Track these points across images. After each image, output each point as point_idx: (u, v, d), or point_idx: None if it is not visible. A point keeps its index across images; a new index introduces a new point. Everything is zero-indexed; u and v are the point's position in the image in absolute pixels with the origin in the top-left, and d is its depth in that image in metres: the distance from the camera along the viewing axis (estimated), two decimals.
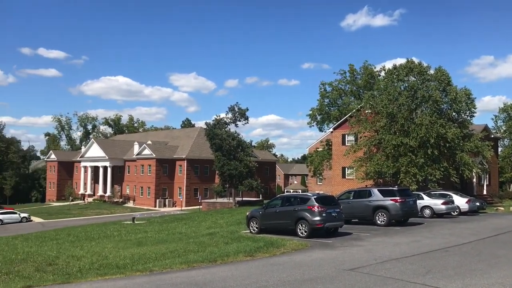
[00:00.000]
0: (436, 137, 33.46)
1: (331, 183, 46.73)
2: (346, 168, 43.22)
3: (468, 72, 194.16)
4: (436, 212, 27.02)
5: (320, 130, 56.90)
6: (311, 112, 55.40)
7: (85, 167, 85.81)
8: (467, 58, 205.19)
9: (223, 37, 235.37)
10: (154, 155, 69.51)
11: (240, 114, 52.38)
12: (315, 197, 18.97)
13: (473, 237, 17.97)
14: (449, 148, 34.68)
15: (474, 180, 43.22)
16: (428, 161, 33.87)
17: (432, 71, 37.02)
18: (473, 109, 36.82)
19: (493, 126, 67.32)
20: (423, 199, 27.51)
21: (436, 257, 13.39)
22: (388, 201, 22.39)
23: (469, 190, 40.79)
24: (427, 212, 27.10)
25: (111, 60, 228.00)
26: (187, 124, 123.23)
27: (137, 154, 73.74)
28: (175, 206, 68.37)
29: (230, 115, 52.57)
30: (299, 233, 18.48)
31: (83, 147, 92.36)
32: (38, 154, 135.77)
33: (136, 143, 76.89)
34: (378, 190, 23.69)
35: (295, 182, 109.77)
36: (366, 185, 32.87)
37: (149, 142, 74.77)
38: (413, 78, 36.78)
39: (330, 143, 48.50)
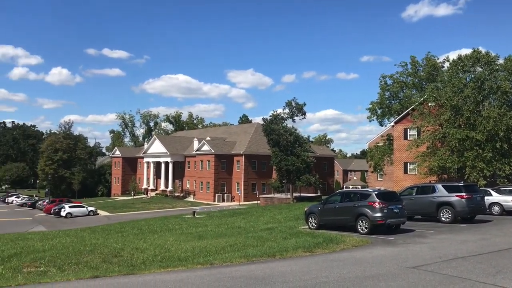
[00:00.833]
0: (506, 130, 31.64)
1: (392, 179, 45.47)
2: (408, 163, 41.87)
3: None
4: (506, 209, 25.53)
5: (381, 124, 55.45)
6: (371, 106, 54.08)
7: (148, 163, 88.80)
8: None
9: (280, 32, 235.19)
10: (213, 151, 70.72)
11: (297, 109, 52.08)
12: (376, 192, 18.51)
13: None
14: None
15: None
16: (497, 156, 32.10)
17: (501, 61, 34.99)
18: None
19: None
20: (491, 195, 26.07)
21: (508, 256, 12.63)
22: (454, 197, 21.40)
23: None
24: (496, 209, 25.67)
25: (171, 58, 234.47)
26: (245, 120, 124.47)
27: (196, 150, 75.37)
28: (234, 201, 69.27)
29: (287, 110, 52.39)
30: (359, 229, 18.11)
31: (145, 143, 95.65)
32: (104, 150, 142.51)
33: (195, 139, 78.61)
34: (442, 185, 22.71)
35: (354, 178, 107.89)
36: (430, 181, 31.72)
37: (208, 138, 76.19)
38: (480, 69, 34.92)
39: (391, 138, 47.17)
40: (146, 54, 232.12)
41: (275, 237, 18.28)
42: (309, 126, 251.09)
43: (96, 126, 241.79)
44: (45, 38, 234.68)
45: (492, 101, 34.11)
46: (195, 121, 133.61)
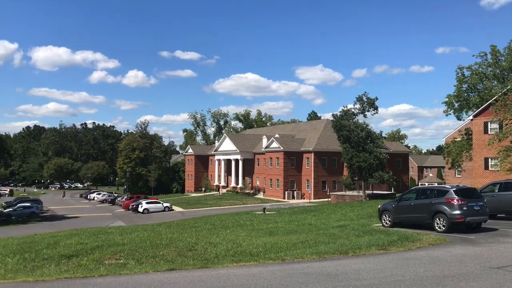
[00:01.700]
0: None
1: (471, 175, 43.06)
2: (490, 159, 39.43)
3: None
4: None
5: (458, 118, 52.51)
6: (447, 99, 51.39)
7: (219, 160, 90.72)
8: None
9: (350, 26, 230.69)
10: (282, 148, 70.81)
11: (369, 104, 50.69)
12: (454, 189, 17.59)
13: None
14: None
15: None
16: None
17: None
18: None
19: None
20: None
21: None
22: None
23: None
24: None
25: (240, 58, 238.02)
26: (313, 116, 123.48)
27: (265, 147, 75.85)
28: (304, 198, 68.96)
29: (358, 106, 51.14)
30: (437, 227, 17.31)
31: (216, 141, 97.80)
32: (178, 149, 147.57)
33: (264, 136, 79.15)
34: None
35: (430, 174, 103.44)
36: None
37: (277, 135, 76.40)
38: None
39: (470, 132, 44.64)
40: (216, 54, 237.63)
41: (347, 235, 17.94)
42: (381, 122, 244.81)
43: (170, 125, 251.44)
44: (122, 43, 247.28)
45: None
46: (263, 119, 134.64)
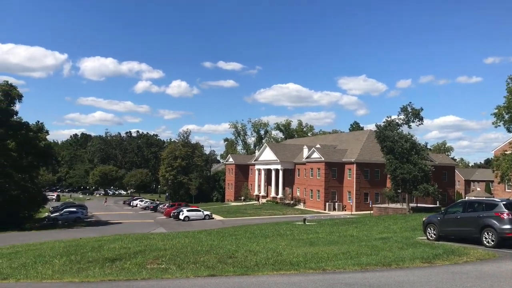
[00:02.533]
0: None
1: None
2: None
3: None
4: None
5: (508, 130, 50.39)
6: (496, 110, 49.43)
7: (259, 170, 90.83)
8: None
9: (394, 35, 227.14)
10: (323, 159, 70.13)
11: (414, 115, 49.56)
12: (504, 202, 16.87)
13: None
14: None
15: None
16: None
17: None
18: None
19: None
20: None
21: None
22: None
23: None
24: None
25: (282, 68, 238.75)
26: (356, 127, 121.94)
27: (306, 158, 75.36)
28: (345, 210, 67.91)
29: (402, 116, 50.13)
30: (485, 242, 16.62)
31: (256, 151, 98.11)
32: (218, 158, 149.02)
33: (305, 146, 78.71)
34: None
35: (478, 188, 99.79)
36: None
37: (318, 145, 75.78)
38: None
39: None
40: (258, 65, 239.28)
41: (390, 247, 17.49)
42: (426, 134, 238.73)
43: (211, 135, 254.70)
44: (166, 54, 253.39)
45: None
46: (304, 129, 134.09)
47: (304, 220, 41.93)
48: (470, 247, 16.03)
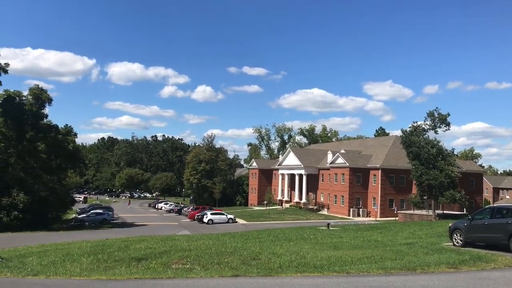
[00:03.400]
0: None
1: None
2: None
3: None
4: None
5: None
6: None
7: (282, 175, 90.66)
8: None
9: (421, 40, 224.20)
10: (347, 164, 69.59)
11: (440, 120, 48.80)
12: None
13: None
14: None
15: None
16: None
17: None
18: None
19: None
20: None
21: None
22: None
23: None
24: None
25: (307, 73, 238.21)
26: (381, 133, 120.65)
27: (330, 163, 74.88)
28: (369, 216, 67.18)
29: (428, 122, 49.44)
30: None
31: (280, 156, 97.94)
32: (242, 162, 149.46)
33: (329, 152, 78.26)
34: None
35: (507, 196, 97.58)
36: None
37: (342, 151, 75.25)
38: None
39: None
40: (283, 70, 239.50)
41: (415, 252, 17.32)
42: (453, 140, 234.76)
43: (235, 139, 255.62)
44: (192, 59, 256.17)
45: None
46: (329, 134, 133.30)
47: (328, 224, 41.71)
48: (498, 254, 15.76)
